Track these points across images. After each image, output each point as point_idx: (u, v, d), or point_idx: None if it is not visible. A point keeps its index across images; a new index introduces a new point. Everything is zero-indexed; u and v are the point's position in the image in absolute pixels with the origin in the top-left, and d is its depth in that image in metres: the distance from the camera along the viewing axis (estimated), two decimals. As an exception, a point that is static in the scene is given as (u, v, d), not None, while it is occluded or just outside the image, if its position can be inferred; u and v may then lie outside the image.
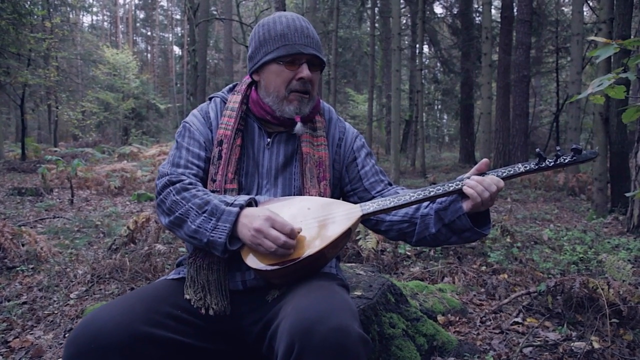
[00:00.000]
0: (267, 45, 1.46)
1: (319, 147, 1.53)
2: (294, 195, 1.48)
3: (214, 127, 1.52)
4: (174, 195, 1.37)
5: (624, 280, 2.85)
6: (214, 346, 1.35)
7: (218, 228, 1.28)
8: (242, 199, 1.33)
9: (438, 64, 21.52)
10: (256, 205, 1.38)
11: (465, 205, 1.36)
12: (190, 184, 1.40)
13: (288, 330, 1.08)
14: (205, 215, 1.31)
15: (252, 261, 1.29)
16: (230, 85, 1.63)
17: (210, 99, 1.60)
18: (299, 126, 1.48)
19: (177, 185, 1.38)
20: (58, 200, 8.01)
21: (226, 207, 1.30)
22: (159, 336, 1.20)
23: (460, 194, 1.38)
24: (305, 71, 1.43)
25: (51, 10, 18.67)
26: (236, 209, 1.29)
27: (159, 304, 1.28)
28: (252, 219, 1.27)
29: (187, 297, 1.38)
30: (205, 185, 1.46)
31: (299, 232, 1.29)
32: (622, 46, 1.53)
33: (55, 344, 2.50)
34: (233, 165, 1.45)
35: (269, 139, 1.52)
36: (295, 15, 1.50)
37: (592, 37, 1.71)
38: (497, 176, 1.37)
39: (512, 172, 1.38)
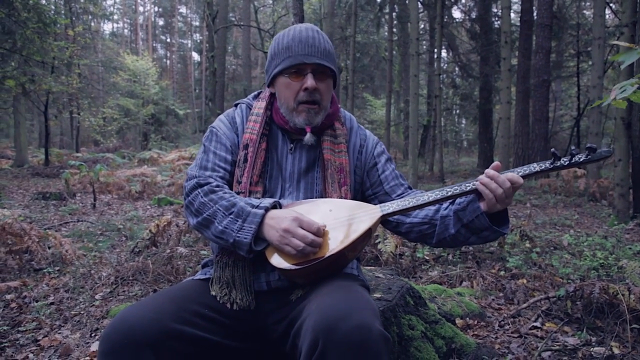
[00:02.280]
0: (276, 59, 1.52)
1: (340, 153, 1.58)
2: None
3: (240, 131, 1.58)
4: (202, 197, 1.43)
5: (645, 286, 2.82)
6: (239, 344, 1.40)
7: (244, 229, 1.34)
8: (267, 201, 1.39)
9: (456, 69, 21.43)
10: (280, 208, 1.43)
11: (483, 205, 1.39)
12: (218, 186, 1.45)
13: (312, 327, 1.12)
14: (231, 216, 1.37)
15: (276, 261, 1.35)
16: (255, 93, 1.69)
17: (236, 105, 1.67)
18: (307, 137, 1.52)
19: (205, 187, 1.45)
20: (81, 204, 8.19)
21: (252, 209, 1.36)
22: (188, 333, 1.25)
23: (478, 194, 1.41)
24: (309, 81, 1.46)
25: (74, 19, 19.10)
26: (261, 211, 1.35)
27: (188, 302, 1.33)
28: (280, 220, 1.33)
29: (213, 293, 1.44)
30: (231, 188, 1.52)
31: (324, 230, 1.34)
32: (646, 51, 1.54)
33: (82, 343, 2.57)
34: (258, 168, 1.51)
35: (291, 145, 1.58)
36: (306, 26, 1.54)
37: (614, 42, 1.71)
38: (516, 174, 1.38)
39: (527, 171, 1.39)
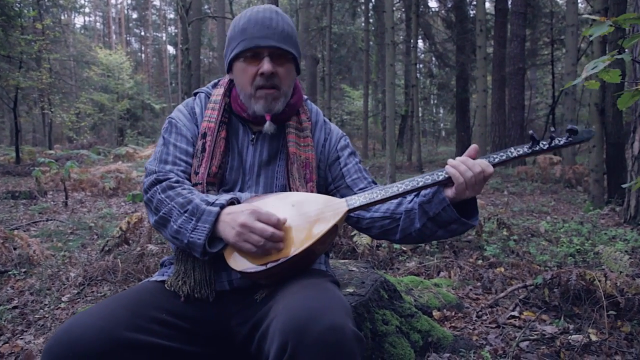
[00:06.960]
0: (232, 43, 1.43)
1: (306, 147, 1.50)
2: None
3: (200, 122, 1.49)
4: (159, 193, 1.33)
5: (621, 272, 2.82)
6: (202, 349, 1.30)
7: (198, 229, 1.24)
8: (224, 198, 1.29)
9: (433, 58, 21.45)
10: (239, 204, 1.34)
11: (450, 193, 1.29)
12: (177, 181, 1.36)
13: (280, 329, 1.03)
14: (186, 214, 1.27)
15: (236, 263, 1.25)
16: (215, 81, 1.60)
17: (195, 94, 1.57)
18: (267, 125, 1.43)
19: (164, 183, 1.35)
20: (52, 202, 7.96)
21: (207, 207, 1.26)
22: (143, 342, 1.15)
23: (446, 184, 1.31)
24: (265, 65, 1.37)
25: (42, 11, 18.51)
26: (216, 209, 1.25)
27: (143, 308, 1.22)
28: (236, 216, 1.23)
29: (167, 285, 1.36)
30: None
31: (284, 223, 1.26)
32: (617, 24, 1.49)
33: (45, 349, 2.46)
34: (217, 159, 1.42)
35: (253, 135, 1.49)
36: (265, 7, 1.43)
37: (586, 15, 1.67)
38: (489, 162, 1.28)
39: (504, 157, 1.29)
